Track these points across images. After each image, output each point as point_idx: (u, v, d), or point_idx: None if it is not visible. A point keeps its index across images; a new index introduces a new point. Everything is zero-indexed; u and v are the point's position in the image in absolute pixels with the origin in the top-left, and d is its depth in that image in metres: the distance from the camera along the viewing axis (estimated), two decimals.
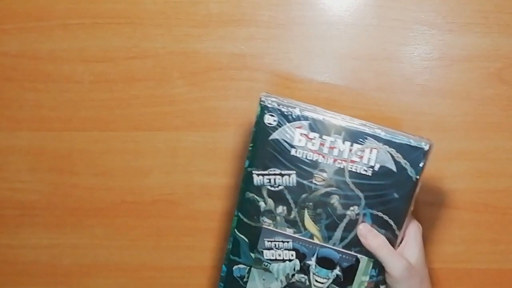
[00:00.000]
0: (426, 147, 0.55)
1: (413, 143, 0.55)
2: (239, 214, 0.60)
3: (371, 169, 0.56)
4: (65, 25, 0.70)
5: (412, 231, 0.59)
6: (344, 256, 0.59)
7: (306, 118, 0.56)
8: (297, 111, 0.56)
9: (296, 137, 0.57)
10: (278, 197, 0.59)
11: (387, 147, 0.56)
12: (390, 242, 0.57)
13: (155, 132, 0.72)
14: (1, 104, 0.73)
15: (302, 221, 0.59)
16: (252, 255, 0.61)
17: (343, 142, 0.56)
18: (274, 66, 0.69)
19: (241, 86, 0.70)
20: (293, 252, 0.60)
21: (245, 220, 0.60)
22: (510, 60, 0.68)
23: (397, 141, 0.55)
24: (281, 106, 0.56)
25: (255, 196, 0.59)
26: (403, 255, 0.57)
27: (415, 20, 0.67)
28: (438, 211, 0.72)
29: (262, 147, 0.58)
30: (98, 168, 0.74)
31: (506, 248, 0.72)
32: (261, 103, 0.57)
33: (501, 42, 0.67)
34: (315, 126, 0.56)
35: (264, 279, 0.61)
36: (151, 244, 0.75)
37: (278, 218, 0.59)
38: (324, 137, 0.56)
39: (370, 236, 0.57)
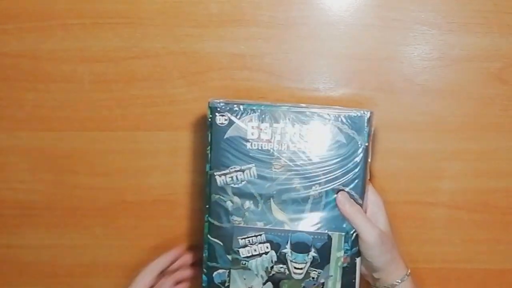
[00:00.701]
0: (368, 114, 0.59)
1: (355, 113, 0.59)
2: (209, 218, 0.62)
3: (324, 146, 0.60)
4: (65, 25, 0.70)
5: (375, 201, 0.62)
6: (316, 236, 0.61)
7: (254, 111, 0.60)
8: (244, 106, 0.60)
9: (249, 131, 0.60)
10: (243, 193, 0.61)
11: (333, 121, 0.60)
12: None
13: (155, 132, 0.72)
14: (1, 104, 0.73)
15: (270, 211, 0.61)
16: (229, 257, 0.62)
17: (293, 126, 0.60)
18: (274, 66, 0.69)
19: (241, 86, 0.70)
20: (268, 244, 0.61)
21: (216, 223, 0.62)
22: (510, 60, 0.68)
23: (341, 114, 0.59)
24: (229, 105, 0.60)
25: (221, 197, 0.61)
26: (374, 222, 0.60)
27: (415, 20, 0.67)
28: (438, 211, 0.72)
29: (219, 148, 0.61)
30: (98, 168, 0.74)
31: (506, 248, 0.71)
32: (210, 105, 0.60)
33: (501, 42, 0.67)
34: (264, 117, 0.60)
35: (245, 279, 0.63)
36: (151, 244, 0.75)
37: (247, 213, 0.61)
38: (274, 125, 0.60)
39: (348, 203, 0.60)
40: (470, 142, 0.70)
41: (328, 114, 0.60)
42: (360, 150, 0.60)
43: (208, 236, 0.62)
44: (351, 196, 0.60)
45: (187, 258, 0.70)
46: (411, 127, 0.70)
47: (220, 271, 0.63)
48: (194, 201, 0.74)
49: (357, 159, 0.60)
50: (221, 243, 0.62)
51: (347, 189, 0.60)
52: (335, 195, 0.60)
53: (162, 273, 0.66)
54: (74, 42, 0.70)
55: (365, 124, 0.59)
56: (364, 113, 0.59)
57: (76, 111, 0.72)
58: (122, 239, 0.75)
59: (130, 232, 0.75)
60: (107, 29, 0.70)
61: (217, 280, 0.63)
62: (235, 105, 0.60)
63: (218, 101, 0.60)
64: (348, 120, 0.60)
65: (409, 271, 0.61)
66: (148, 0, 0.69)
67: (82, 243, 0.76)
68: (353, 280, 0.62)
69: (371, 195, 0.62)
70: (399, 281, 0.61)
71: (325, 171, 0.60)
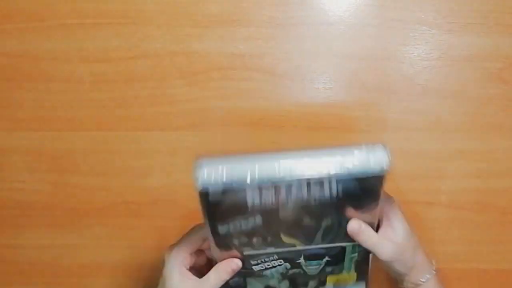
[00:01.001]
0: (382, 172, 0.49)
1: (370, 173, 0.49)
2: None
3: (335, 195, 0.51)
4: (65, 25, 0.70)
5: (390, 210, 0.59)
6: (329, 249, 0.58)
7: (252, 183, 0.49)
8: (239, 179, 0.49)
9: (249, 200, 0.51)
10: (249, 233, 0.54)
11: (348, 179, 0.50)
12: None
13: (155, 132, 0.72)
14: (1, 104, 0.73)
15: (280, 240, 0.56)
16: (243, 270, 0.58)
17: (301, 190, 0.50)
18: (274, 66, 0.69)
19: (241, 86, 0.70)
20: (281, 260, 0.59)
21: (226, 253, 0.57)
22: (510, 60, 0.68)
23: (354, 173, 0.49)
24: (223, 184, 0.50)
25: (226, 242, 0.55)
26: (389, 236, 0.58)
27: (415, 20, 0.67)
28: (438, 211, 0.72)
29: (217, 226, 0.54)
30: (98, 168, 0.74)
31: (506, 248, 0.72)
32: (201, 191, 0.51)
33: (501, 42, 0.67)
34: (263, 183, 0.49)
35: (261, 279, 0.61)
36: (151, 244, 0.75)
37: (256, 245, 0.56)
38: (277, 185, 0.50)
39: (360, 234, 0.56)
40: (470, 142, 0.70)
41: (339, 174, 0.49)
42: (376, 186, 0.52)
43: None
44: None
45: None
46: (411, 127, 0.70)
47: (236, 278, 0.59)
48: (194, 201, 0.74)
49: (372, 193, 0.52)
50: None
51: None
52: (348, 226, 0.55)
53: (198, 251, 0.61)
54: (74, 42, 0.70)
55: (381, 182, 0.51)
56: (381, 172, 0.49)
57: (76, 111, 0.72)
58: (122, 239, 0.75)
59: (130, 232, 0.75)
60: (107, 29, 0.70)
61: (232, 284, 0.60)
62: (228, 181, 0.50)
63: (209, 181, 0.51)
64: (365, 180, 0.50)
65: (434, 270, 0.61)
66: (148, 0, 0.69)
67: (82, 243, 0.76)
68: (367, 268, 0.61)
69: (386, 203, 0.59)
70: (423, 281, 0.60)
71: (337, 205, 0.53)
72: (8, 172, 0.75)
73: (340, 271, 0.61)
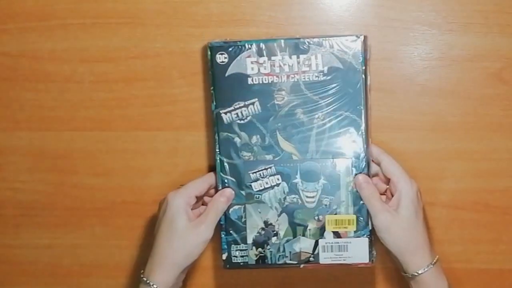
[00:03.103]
0: (361, 38, 0.62)
1: (349, 38, 0.62)
2: (220, 157, 0.65)
3: (322, 73, 0.62)
4: (65, 25, 0.70)
5: (405, 188, 0.62)
6: (324, 164, 0.64)
7: (251, 47, 0.63)
8: (241, 43, 0.63)
9: (249, 66, 0.63)
10: (249, 128, 0.64)
11: (329, 49, 0.62)
12: (355, 132, 0.63)
13: (155, 132, 0.72)
14: (1, 104, 0.73)
15: (277, 143, 0.64)
16: (242, 192, 0.65)
17: (290, 57, 0.62)
18: None
19: None
20: (278, 176, 0.64)
21: (227, 160, 0.65)
22: (510, 60, 0.68)
23: (336, 41, 0.62)
24: (227, 43, 0.63)
25: (229, 134, 0.64)
26: (396, 208, 0.61)
27: (415, 20, 0.67)
28: (438, 211, 0.72)
29: (222, 86, 0.64)
30: (98, 168, 0.74)
31: (506, 248, 0.71)
32: (209, 46, 0.63)
33: (501, 42, 0.67)
34: (262, 51, 0.63)
35: (260, 212, 0.65)
36: (151, 244, 0.75)
37: (255, 148, 0.64)
38: (272, 57, 0.63)
39: (364, 187, 0.62)
40: (470, 142, 0.70)
41: (323, 43, 0.62)
42: (358, 74, 0.62)
43: (221, 173, 0.65)
44: (353, 121, 0.63)
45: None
46: (411, 127, 0.70)
47: (236, 207, 0.65)
48: None
49: (356, 83, 0.63)
50: (233, 179, 0.65)
51: (348, 113, 0.63)
52: (355, 178, 0.63)
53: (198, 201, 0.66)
54: (74, 42, 0.70)
55: (360, 48, 0.62)
56: (358, 37, 0.62)
57: (76, 111, 0.72)
58: (122, 239, 0.75)
59: (130, 232, 0.75)
60: (107, 29, 0.70)
61: (233, 217, 0.65)
62: (232, 44, 0.63)
63: (217, 41, 0.63)
64: (344, 46, 0.62)
65: (433, 262, 0.61)
66: (148, 0, 0.69)
67: (82, 243, 0.76)
68: (364, 204, 0.64)
69: (403, 183, 0.62)
70: (417, 273, 0.61)
71: (326, 98, 0.63)
72: (8, 172, 0.75)
73: (338, 207, 0.64)
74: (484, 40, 0.67)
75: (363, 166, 0.64)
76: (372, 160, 0.65)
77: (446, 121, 0.69)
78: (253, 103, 0.63)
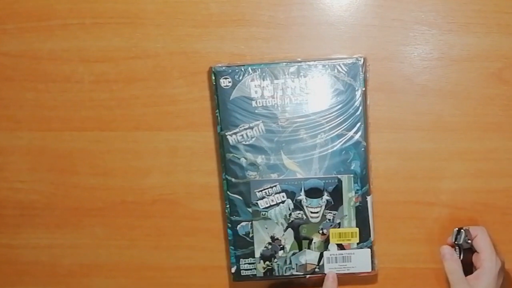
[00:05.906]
0: (361, 60, 0.65)
1: (349, 61, 0.65)
2: (226, 176, 0.68)
3: (323, 95, 0.65)
4: (65, 25, 0.70)
5: (489, 266, 0.65)
6: (327, 181, 0.67)
7: (254, 70, 0.65)
8: (245, 67, 0.65)
9: (252, 89, 0.65)
10: (254, 148, 0.66)
11: (330, 71, 0.65)
12: (356, 150, 0.66)
13: (155, 132, 0.72)
14: (1, 104, 0.73)
15: (282, 162, 0.66)
16: (249, 209, 0.68)
17: (292, 80, 0.65)
18: None
19: None
20: (283, 194, 0.67)
21: (233, 180, 0.67)
22: (510, 60, 0.68)
23: (336, 64, 0.65)
24: (230, 68, 0.65)
25: (235, 155, 0.67)
26: (476, 281, 0.64)
27: (415, 20, 0.67)
28: (438, 211, 0.72)
29: (226, 109, 0.66)
30: (98, 168, 0.74)
31: (506, 248, 0.71)
32: (214, 70, 0.65)
33: (501, 42, 0.67)
34: (265, 75, 0.65)
35: (266, 228, 0.68)
36: (151, 244, 0.75)
37: (260, 167, 0.67)
38: (275, 81, 0.65)
39: (449, 258, 0.65)
40: (470, 142, 0.70)
41: (324, 65, 0.65)
42: (358, 94, 0.65)
43: (228, 192, 0.68)
44: (352, 138, 0.65)
45: None
46: (411, 127, 0.70)
47: (243, 223, 0.68)
48: (194, 201, 0.74)
49: (357, 103, 0.65)
50: (240, 198, 0.68)
51: (349, 132, 0.65)
52: (441, 248, 0.66)
53: None
54: (74, 42, 0.70)
55: (360, 70, 0.65)
56: (358, 60, 0.65)
57: (76, 111, 0.72)
58: (122, 239, 0.75)
59: (130, 232, 0.75)
60: (107, 29, 0.70)
61: (241, 232, 0.68)
62: (236, 68, 0.65)
63: (220, 65, 0.65)
64: (344, 68, 0.65)
65: None
66: (148, 0, 0.69)
67: (82, 243, 0.76)
68: (367, 217, 0.68)
69: (488, 260, 0.65)
70: None
71: (328, 119, 0.65)
72: (8, 172, 0.75)
73: (341, 221, 0.67)
74: (484, 40, 0.67)
75: (364, 182, 0.67)
76: (469, 229, 0.67)
77: (446, 121, 0.69)
78: (257, 125, 0.66)
